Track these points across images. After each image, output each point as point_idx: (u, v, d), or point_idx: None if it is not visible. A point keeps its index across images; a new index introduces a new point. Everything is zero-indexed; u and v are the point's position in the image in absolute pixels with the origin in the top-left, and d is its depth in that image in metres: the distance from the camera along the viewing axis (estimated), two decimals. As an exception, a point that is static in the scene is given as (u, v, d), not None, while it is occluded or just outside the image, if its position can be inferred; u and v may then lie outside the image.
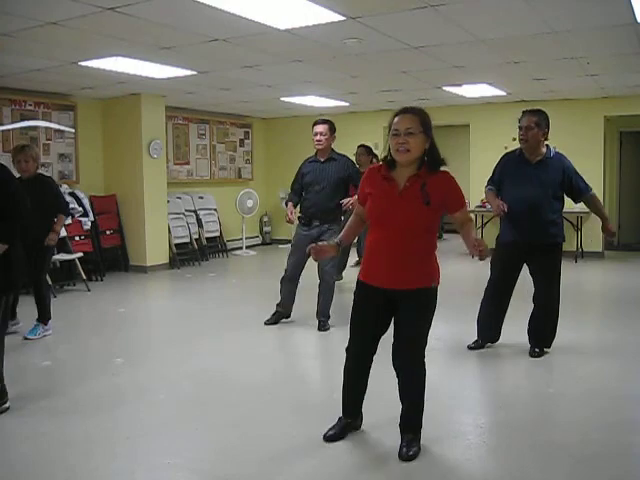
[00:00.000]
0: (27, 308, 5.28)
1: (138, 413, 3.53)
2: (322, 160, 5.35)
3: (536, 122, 4.21)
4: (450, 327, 5.31)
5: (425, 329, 2.84)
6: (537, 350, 4.46)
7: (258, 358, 4.63)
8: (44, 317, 5.15)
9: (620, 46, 5.67)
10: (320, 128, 5.25)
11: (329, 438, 3.04)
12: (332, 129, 5.30)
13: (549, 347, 4.52)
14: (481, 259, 2.78)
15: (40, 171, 5.28)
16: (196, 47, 5.50)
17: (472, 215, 9.80)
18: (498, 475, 2.80)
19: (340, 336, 5.17)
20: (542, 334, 4.48)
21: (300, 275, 5.41)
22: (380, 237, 2.79)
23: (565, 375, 4.19)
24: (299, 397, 3.84)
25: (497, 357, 4.52)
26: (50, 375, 4.29)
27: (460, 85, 8.00)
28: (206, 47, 5.48)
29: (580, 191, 4.34)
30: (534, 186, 4.22)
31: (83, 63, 6.13)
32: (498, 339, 4.66)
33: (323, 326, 5.34)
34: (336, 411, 3.14)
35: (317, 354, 5.09)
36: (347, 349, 3.04)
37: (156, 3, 4.19)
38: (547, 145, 4.34)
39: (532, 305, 4.50)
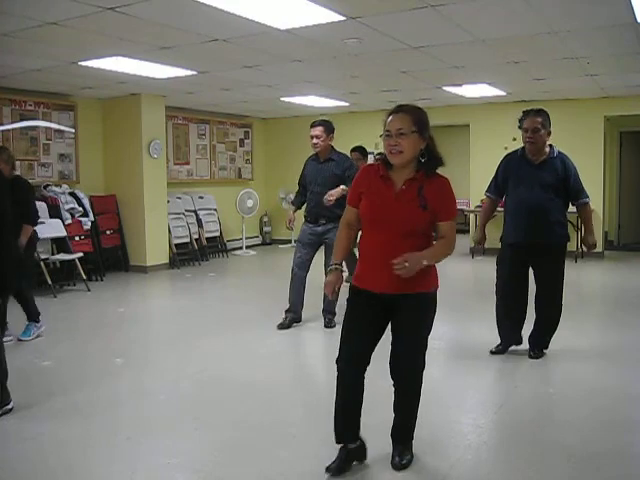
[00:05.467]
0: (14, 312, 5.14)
1: (138, 413, 3.53)
2: (321, 160, 5.39)
3: (541, 123, 4.16)
4: (450, 327, 5.31)
5: (426, 335, 2.75)
6: (536, 351, 4.45)
7: (259, 358, 4.63)
8: (33, 316, 5.12)
9: (620, 46, 5.67)
10: (316, 131, 5.27)
11: (334, 472, 2.69)
12: (328, 130, 5.31)
13: (547, 348, 4.50)
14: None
15: (17, 173, 5.16)
16: (196, 47, 5.50)
17: (472, 215, 9.96)
18: (498, 475, 2.80)
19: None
20: (542, 339, 4.46)
21: (307, 271, 5.40)
22: (375, 240, 2.70)
23: (565, 375, 4.19)
24: (300, 396, 3.84)
25: (497, 357, 4.51)
26: (50, 375, 4.29)
27: (460, 85, 8.00)
28: (206, 47, 5.48)
29: (577, 194, 4.29)
30: (538, 187, 4.17)
31: (83, 63, 6.13)
32: (521, 341, 4.53)
33: (329, 323, 5.38)
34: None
35: (319, 353, 5.09)
36: (337, 360, 2.72)
37: (156, 3, 4.20)
38: (550, 145, 4.30)
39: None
